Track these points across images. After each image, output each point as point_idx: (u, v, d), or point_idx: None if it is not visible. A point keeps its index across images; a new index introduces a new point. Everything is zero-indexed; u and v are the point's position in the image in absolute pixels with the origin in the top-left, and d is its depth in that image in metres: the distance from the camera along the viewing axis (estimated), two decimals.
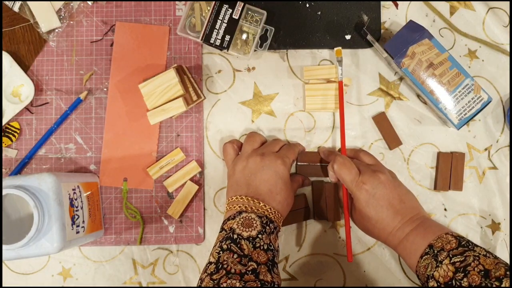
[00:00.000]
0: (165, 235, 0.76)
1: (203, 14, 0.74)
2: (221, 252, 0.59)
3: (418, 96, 0.77)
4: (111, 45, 0.78)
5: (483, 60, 0.78)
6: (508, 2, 0.78)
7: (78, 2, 0.78)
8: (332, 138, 0.77)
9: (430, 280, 0.60)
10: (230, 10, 0.73)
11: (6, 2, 0.76)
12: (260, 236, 0.61)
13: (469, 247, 0.60)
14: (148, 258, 0.76)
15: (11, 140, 0.76)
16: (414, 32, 0.72)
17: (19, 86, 0.77)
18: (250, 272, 0.57)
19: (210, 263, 0.59)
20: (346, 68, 0.77)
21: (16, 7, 0.76)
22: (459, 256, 0.58)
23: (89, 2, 0.78)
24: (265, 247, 0.60)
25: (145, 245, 0.76)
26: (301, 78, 0.78)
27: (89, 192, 0.72)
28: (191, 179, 0.76)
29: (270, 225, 0.64)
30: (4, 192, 0.60)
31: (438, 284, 0.58)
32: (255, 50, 0.74)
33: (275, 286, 0.58)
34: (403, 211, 0.66)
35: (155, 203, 0.76)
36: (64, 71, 0.78)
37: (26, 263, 0.76)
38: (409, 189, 0.70)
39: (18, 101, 0.76)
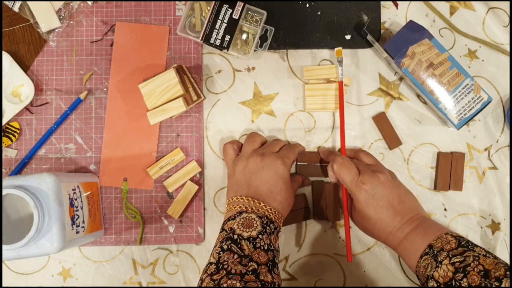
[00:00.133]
0: (165, 235, 0.76)
1: (203, 14, 0.74)
2: (221, 252, 0.59)
3: (418, 96, 0.77)
4: (111, 45, 0.78)
5: (483, 60, 0.78)
6: (508, 2, 0.78)
7: (78, 2, 0.78)
8: (332, 138, 0.77)
9: (430, 280, 0.60)
10: (230, 10, 0.73)
11: (6, 2, 0.76)
12: (260, 236, 0.61)
13: (469, 247, 0.60)
14: (148, 258, 0.76)
15: (11, 140, 0.76)
16: (414, 32, 0.72)
17: (19, 86, 0.77)
18: (250, 273, 0.57)
19: (210, 263, 0.59)
20: (346, 68, 0.77)
21: (16, 7, 0.76)
22: (458, 256, 0.58)
23: (89, 2, 0.78)
24: (266, 247, 0.60)
25: (145, 245, 0.76)
26: (301, 78, 0.78)
27: (89, 192, 0.72)
28: (191, 179, 0.76)
29: (271, 225, 0.64)
30: (4, 192, 0.61)
31: (438, 284, 0.58)
32: (255, 50, 0.74)
33: (276, 286, 0.58)
34: (402, 211, 0.66)
35: (155, 203, 0.76)
36: (64, 71, 0.78)
37: (26, 263, 0.76)
38: (408, 189, 0.70)
39: (18, 101, 0.76)
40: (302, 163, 0.76)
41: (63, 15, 0.77)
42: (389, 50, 0.72)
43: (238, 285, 0.55)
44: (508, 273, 0.55)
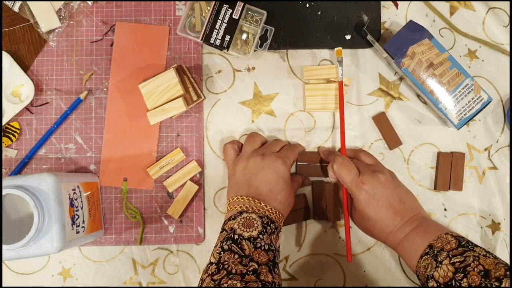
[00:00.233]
0: (165, 235, 0.76)
1: (203, 14, 0.74)
2: (222, 252, 0.59)
3: (418, 96, 0.77)
4: (111, 45, 0.78)
5: (483, 60, 0.78)
6: (508, 2, 0.78)
7: (78, 2, 0.78)
8: (332, 138, 0.77)
9: (430, 281, 0.60)
10: (230, 10, 0.73)
11: (6, 2, 0.76)
12: (261, 236, 0.61)
13: (469, 247, 0.60)
14: (148, 258, 0.76)
15: (11, 140, 0.76)
16: (414, 32, 0.72)
17: (19, 86, 0.77)
18: (251, 273, 0.57)
19: (211, 263, 0.59)
20: (346, 68, 0.77)
21: (16, 7, 0.76)
22: (459, 257, 0.58)
23: (89, 2, 0.78)
24: (266, 247, 0.60)
25: (145, 245, 0.76)
26: (301, 78, 0.78)
27: (89, 192, 0.72)
28: (191, 179, 0.76)
29: (271, 225, 0.64)
30: (4, 192, 0.60)
31: (438, 284, 0.58)
32: (255, 50, 0.74)
33: (276, 286, 0.58)
34: (402, 211, 0.66)
35: (155, 203, 0.76)
36: (64, 71, 0.78)
37: (26, 263, 0.76)
38: (409, 189, 0.70)
39: (18, 101, 0.76)
40: (302, 163, 0.76)
41: (63, 15, 0.77)
42: (389, 50, 0.72)
43: (238, 285, 0.55)
44: (508, 273, 0.55)
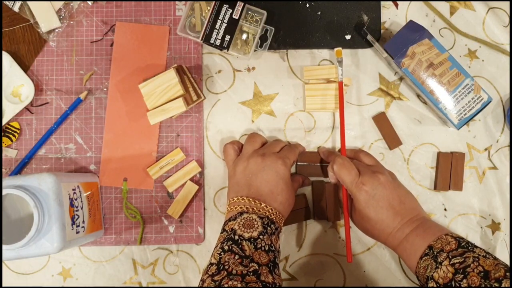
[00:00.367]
0: (165, 235, 0.76)
1: (203, 14, 0.74)
2: (222, 253, 0.59)
3: (418, 96, 0.77)
4: (111, 45, 0.78)
5: (483, 60, 0.78)
6: (508, 2, 0.78)
7: (78, 2, 0.77)
8: (332, 138, 0.77)
9: (430, 281, 0.60)
10: (230, 10, 0.73)
11: (6, 2, 0.76)
12: (261, 237, 0.61)
13: (469, 248, 0.60)
14: (148, 258, 0.76)
15: (11, 140, 0.76)
16: (414, 32, 0.72)
17: (19, 86, 0.77)
18: (251, 273, 0.57)
19: (211, 264, 0.59)
20: (346, 68, 0.77)
21: (16, 7, 0.76)
22: (458, 257, 0.58)
23: (89, 2, 0.78)
24: (266, 248, 0.60)
25: (145, 245, 0.76)
26: (301, 78, 0.78)
27: (89, 192, 0.72)
28: (191, 179, 0.76)
29: (271, 226, 0.64)
30: (4, 192, 0.60)
31: (438, 285, 0.58)
32: (255, 50, 0.74)
33: (277, 287, 0.58)
34: (402, 212, 0.66)
35: (155, 203, 0.76)
36: (64, 71, 0.77)
37: (26, 263, 0.76)
38: (408, 190, 0.70)
39: (18, 101, 0.76)
40: (302, 163, 0.76)
41: (63, 15, 0.77)
42: (389, 50, 0.72)
43: (239, 286, 0.55)
44: (508, 274, 0.55)
